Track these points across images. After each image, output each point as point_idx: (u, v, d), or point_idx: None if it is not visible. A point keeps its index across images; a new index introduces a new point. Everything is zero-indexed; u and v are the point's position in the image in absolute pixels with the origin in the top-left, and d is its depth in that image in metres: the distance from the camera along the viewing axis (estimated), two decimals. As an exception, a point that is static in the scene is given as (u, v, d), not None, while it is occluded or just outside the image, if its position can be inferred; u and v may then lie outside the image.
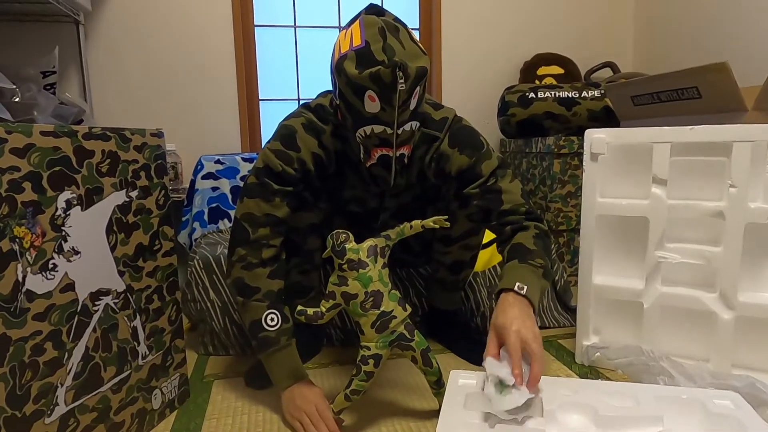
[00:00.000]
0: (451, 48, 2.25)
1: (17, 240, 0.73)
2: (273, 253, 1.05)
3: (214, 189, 1.71)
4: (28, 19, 1.77)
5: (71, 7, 1.68)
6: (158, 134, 1.02)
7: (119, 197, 0.92)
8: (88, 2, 1.76)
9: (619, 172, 1.18)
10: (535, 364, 0.83)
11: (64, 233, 0.80)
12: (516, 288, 0.92)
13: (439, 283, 1.33)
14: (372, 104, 0.90)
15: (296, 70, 2.20)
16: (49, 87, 1.62)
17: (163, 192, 1.03)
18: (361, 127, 0.95)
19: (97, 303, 0.87)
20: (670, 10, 2.25)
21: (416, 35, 1.02)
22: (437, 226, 0.95)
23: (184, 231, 1.72)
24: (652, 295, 1.14)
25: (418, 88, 0.92)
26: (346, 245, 0.93)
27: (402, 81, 0.87)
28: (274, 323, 1.02)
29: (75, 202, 0.82)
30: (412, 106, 0.94)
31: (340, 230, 0.95)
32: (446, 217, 0.95)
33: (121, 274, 0.92)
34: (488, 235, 1.37)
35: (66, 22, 1.79)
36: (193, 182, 1.72)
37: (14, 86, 1.37)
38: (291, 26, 2.16)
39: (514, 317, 0.87)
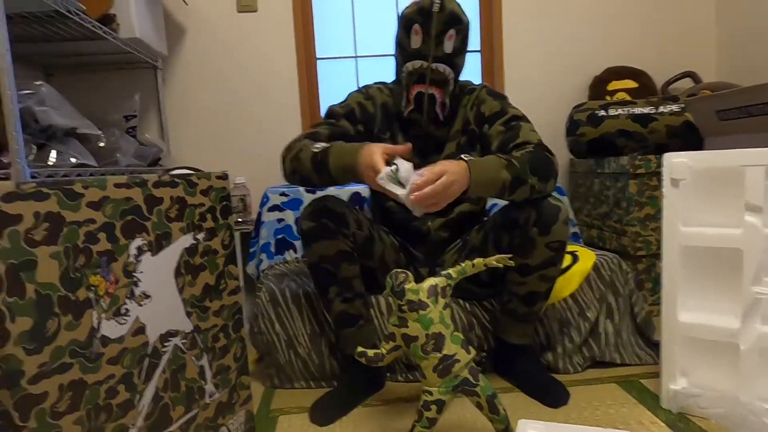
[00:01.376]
0: (513, 66, 2.20)
1: (92, 288, 0.77)
2: None
3: (280, 221, 1.75)
4: (113, 68, 1.92)
5: (150, 55, 1.81)
6: (223, 176, 1.06)
7: (187, 240, 0.96)
8: (164, 48, 1.89)
9: (704, 199, 1.08)
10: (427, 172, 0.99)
11: (135, 279, 0.84)
12: (462, 156, 1.07)
13: (509, 315, 1.27)
14: (416, 38, 1.19)
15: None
16: (131, 130, 1.75)
17: (228, 232, 1.07)
18: (406, 63, 1.22)
19: (166, 344, 0.90)
20: (757, 11, 2.06)
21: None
22: (501, 265, 0.90)
23: (251, 262, 1.77)
24: (751, 336, 1.02)
25: (452, 31, 1.18)
26: (406, 285, 0.91)
27: (438, 4, 1.15)
28: (319, 146, 1.15)
29: (146, 248, 0.86)
30: (447, 48, 1.19)
31: (399, 270, 0.92)
32: (510, 255, 0.90)
33: (188, 314, 0.95)
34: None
35: (146, 68, 1.93)
36: (259, 214, 1.78)
37: (100, 132, 1.48)
38: (352, 57, 2.20)
39: (444, 163, 1.02)
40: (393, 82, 1.38)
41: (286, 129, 2.11)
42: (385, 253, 1.31)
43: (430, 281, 0.92)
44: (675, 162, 1.07)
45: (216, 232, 1.03)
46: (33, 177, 1.06)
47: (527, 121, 1.25)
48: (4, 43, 1.00)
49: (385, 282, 0.93)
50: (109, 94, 1.96)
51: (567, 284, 1.41)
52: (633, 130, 1.80)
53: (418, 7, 1.19)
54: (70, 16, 1.28)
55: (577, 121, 1.88)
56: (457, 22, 1.20)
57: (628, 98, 2.05)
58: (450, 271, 0.94)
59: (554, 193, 1.18)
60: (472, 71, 2.26)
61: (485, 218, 1.38)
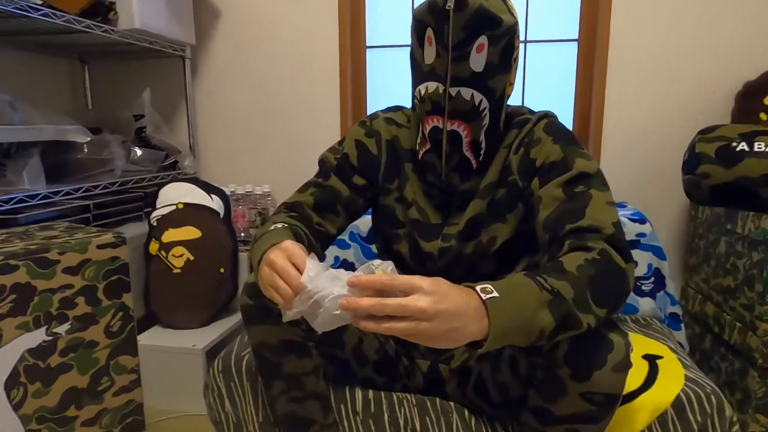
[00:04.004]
0: (621, 61, 1.61)
1: None
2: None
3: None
4: (141, 57, 1.77)
5: (167, 45, 1.61)
6: (115, 243, 0.80)
7: (32, 339, 0.72)
8: (191, 37, 1.68)
9: None
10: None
11: None
12: (479, 289, 0.62)
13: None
14: (429, 50, 0.83)
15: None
16: (140, 130, 1.58)
17: (120, 314, 0.81)
18: (418, 85, 0.87)
19: (-16, 479, 0.68)
20: None
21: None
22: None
23: (254, 291, 1.54)
24: None
25: (483, 38, 0.79)
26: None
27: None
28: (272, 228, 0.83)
29: (-56, 363, 0.64)
30: (475, 64, 0.80)
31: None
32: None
33: (33, 433, 0.73)
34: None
35: (173, 58, 1.75)
36: (265, 238, 1.53)
37: (85, 141, 1.32)
38: (407, 45, 1.80)
39: (441, 288, 0.60)
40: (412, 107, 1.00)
41: (324, 126, 1.81)
42: (364, 342, 0.97)
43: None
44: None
45: (96, 319, 0.78)
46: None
47: (602, 184, 0.79)
48: None
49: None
50: (138, 86, 1.82)
51: (627, 421, 0.95)
52: (791, 177, 1.19)
53: (429, 4, 0.81)
54: (28, 14, 1.09)
55: (699, 155, 1.29)
56: (490, 24, 0.79)
57: (797, 120, 1.39)
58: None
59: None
60: (564, 66, 1.72)
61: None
